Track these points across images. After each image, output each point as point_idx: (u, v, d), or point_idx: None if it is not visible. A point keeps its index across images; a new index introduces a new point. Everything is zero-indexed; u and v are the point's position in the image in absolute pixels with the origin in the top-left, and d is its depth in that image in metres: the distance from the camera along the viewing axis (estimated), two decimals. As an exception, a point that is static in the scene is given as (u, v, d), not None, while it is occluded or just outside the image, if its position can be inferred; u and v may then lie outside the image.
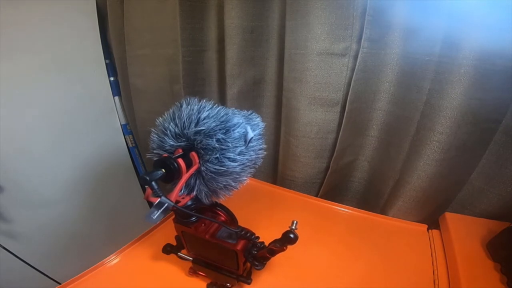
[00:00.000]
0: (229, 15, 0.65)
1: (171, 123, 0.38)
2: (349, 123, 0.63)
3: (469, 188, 0.60)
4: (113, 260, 0.51)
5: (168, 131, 0.38)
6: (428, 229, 0.59)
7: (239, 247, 0.37)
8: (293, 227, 0.33)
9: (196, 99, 0.39)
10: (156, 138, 0.39)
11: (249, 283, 0.43)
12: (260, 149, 0.41)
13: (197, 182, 0.39)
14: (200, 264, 0.45)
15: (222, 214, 0.44)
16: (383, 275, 0.48)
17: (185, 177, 0.36)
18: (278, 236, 0.34)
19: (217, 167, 0.36)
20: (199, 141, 0.36)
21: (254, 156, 0.39)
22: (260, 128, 0.42)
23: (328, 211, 0.65)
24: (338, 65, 0.59)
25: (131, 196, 1.04)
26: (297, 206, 0.67)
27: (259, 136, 0.41)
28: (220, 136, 0.36)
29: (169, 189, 0.37)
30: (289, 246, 0.34)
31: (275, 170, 0.82)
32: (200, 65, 0.78)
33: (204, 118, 0.37)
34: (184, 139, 0.38)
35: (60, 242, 0.83)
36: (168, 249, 0.48)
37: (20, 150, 0.74)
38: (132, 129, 1.04)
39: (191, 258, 0.45)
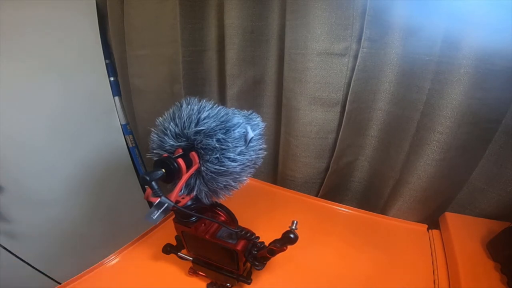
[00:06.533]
0: (229, 15, 0.65)
1: (171, 123, 0.38)
2: (349, 123, 0.63)
3: (469, 188, 0.60)
4: (113, 260, 0.51)
5: (168, 131, 0.38)
6: (428, 229, 0.59)
7: (239, 247, 0.37)
8: (293, 227, 0.33)
9: (196, 99, 0.39)
10: (156, 138, 0.39)
11: (249, 283, 0.43)
12: (260, 149, 0.41)
13: (197, 182, 0.39)
14: (200, 264, 0.45)
15: (222, 214, 0.44)
16: (383, 275, 0.48)
17: (185, 177, 0.36)
18: (278, 236, 0.34)
19: (217, 167, 0.36)
20: (199, 141, 0.36)
21: (254, 156, 0.39)
22: (260, 128, 0.42)
23: (328, 211, 0.65)
24: (338, 65, 0.59)
25: (131, 196, 1.04)
26: (297, 206, 0.67)
27: (259, 136, 0.41)
28: (220, 136, 0.36)
29: (169, 189, 0.37)
30: (289, 246, 0.34)
31: (275, 170, 0.82)
32: (200, 65, 0.78)
33: (204, 118, 0.37)
34: (184, 139, 0.38)
35: (60, 242, 0.83)
36: (168, 249, 0.48)
37: (20, 150, 0.74)
38: (132, 129, 1.04)
39: (191, 258, 0.45)
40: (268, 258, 0.38)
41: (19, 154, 0.73)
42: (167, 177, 0.35)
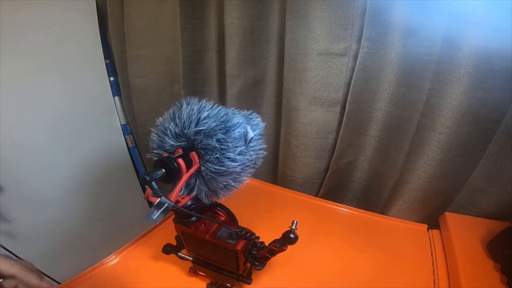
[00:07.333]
0: (229, 15, 0.65)
1: (171, 123, 0.38)
2: (349, 123, 0.63)
3: (469, 188, 0.60)
4: (113, 260, 0.51)
5: (168, 131, 0.38)
6: (428, 229, 0.59)
7: (239, 247, 0.37)
8: (293, 227, 0.33)
9: (196, 99, 0.39)
10: (156, 138, 0.39)
11: (249, 283, 0.43)
12: (260, 149, 0.41)
13: (197, 182, 0.39)
14: (200, 264, 0.45)
15: (222, 214, 0.44)
16: (383, 275, 0.48)
17: (185, 177, 0.36)
18: (278, 236, 0.34)
19: (217, 167, 0.36)
20: (199, 141, 0.36)
21: (254, 156, 0.39)
22: (260, 128, 0.42)
23: (328, 211, 0.65)
24: (338, 65, 0.59)
25: (131, 196, 1.04)
26: (297, 206, 0.67)
27: (259, 136, 0.41)
28: (220, 136, 0.36)
29: (169, 189, 0.37)
30: (289, 246, 0.34)
31: (275, 170, 0.82)
32: (200, 65, 0.78)
33: (204, 118, 0.37)
34: (184, 139, 0.38)
35: (60, 242, 0.83)
36: (168, 249, 0.48)
37: (20, 150, 0.74)
38: (132, 129, 1.04)
39: (191, 258, 0.45)
40: (268, 258, 0.38)
41: (19, 154, 0.73)
42: (167, 177, 0.35)
